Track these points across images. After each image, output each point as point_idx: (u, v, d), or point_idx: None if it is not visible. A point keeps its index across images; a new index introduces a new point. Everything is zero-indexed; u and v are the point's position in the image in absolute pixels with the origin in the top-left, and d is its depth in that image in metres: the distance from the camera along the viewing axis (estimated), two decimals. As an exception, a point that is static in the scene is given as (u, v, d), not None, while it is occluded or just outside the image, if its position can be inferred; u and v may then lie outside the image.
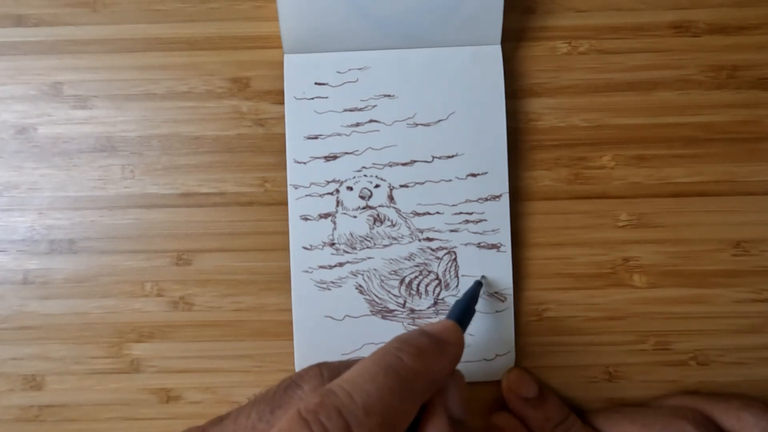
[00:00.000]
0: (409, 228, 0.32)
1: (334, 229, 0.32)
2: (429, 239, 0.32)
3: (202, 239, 0.33)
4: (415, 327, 0.32)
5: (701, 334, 0.33)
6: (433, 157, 0.32)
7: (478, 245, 0.32)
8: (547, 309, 0.33)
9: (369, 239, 0.32)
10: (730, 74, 0.33)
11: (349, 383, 0.22)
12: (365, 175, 0.32)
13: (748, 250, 0.33)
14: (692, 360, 0.33)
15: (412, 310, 0.32)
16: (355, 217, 0.32)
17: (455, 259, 0.32)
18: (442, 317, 0.32)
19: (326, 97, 0.32)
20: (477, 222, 0.32)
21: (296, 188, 0.32)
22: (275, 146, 0.33)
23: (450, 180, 0.32)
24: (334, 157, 0.32)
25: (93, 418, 0.33)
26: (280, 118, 0.33)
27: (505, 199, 0.32)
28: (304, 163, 0.32)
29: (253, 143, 0.33)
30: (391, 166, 0.32)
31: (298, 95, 0.32)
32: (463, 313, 0.29)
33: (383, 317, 0.32)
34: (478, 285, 0.31)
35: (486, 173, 0.32)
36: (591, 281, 0.33)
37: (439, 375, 0.25)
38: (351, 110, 0.32)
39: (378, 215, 0.32)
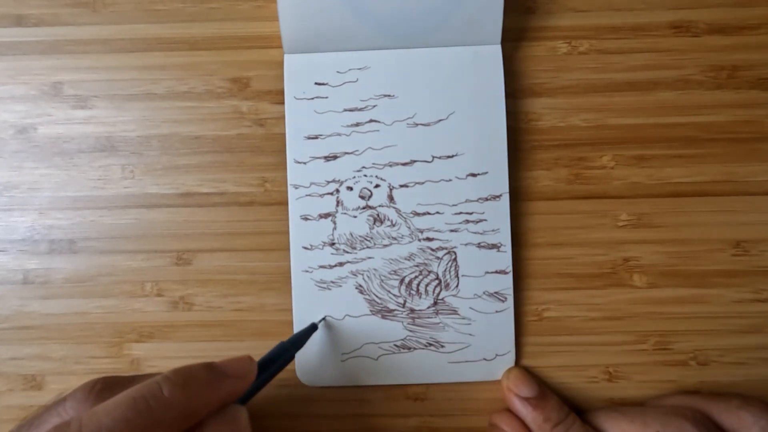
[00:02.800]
0: (409, 228, 0.32)
1: (334, 229, 0.32)
2: (429, 239, 0.32)
3: (202, 239, 0.33)
4: (415, 327, 0.32)
5: (701, 334, 0.33)
6: (433, 157, 0.32)
7: (478, 245, 0.32)
8: (547, 309, 0.33)
9: (369, 239, 0.32)
10: (730, 74, 0.33)
11: (93, 412, 0.22)
12: (365, 175, 0.32)
13: (748, 250, 0.33)
14: (692, 360, 0.33)
15: (412, 310, 0.32)
16: (355, 217, 0.32)
17: (455, 259, 0.32)
18: (443, 317, 0.32)
19: (326, 97, 0.32)
20: (477, 222, 0.32)
21: (296, 188, 0.32)
22: (275, 146, 0.33)
23: (450, 180, 0.32)
24: (334, 157, 0.32)
25: (93, 418, 0.33)
26: (280, 118, 0.33)
27: (505, 199, 0.32)
28: (304, 163, 0.32)
29: (253, 143, 0.33)
30: (391, 166, 0.32)
31: (298, 95, 0.32)
32: (279, 354, 0.29)
33: (383, 317, 0.32)
34: (311, 329, 0.31)
35: (486, 173, 0.32)
36: (591, 281, 0.33)
37: (201, 407, 0.24)
38: (351, 110, 0.32)
39: (378, 215, 0.32)
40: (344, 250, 0.32)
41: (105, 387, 0.26)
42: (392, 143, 0.32)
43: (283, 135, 0.32)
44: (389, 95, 0.32)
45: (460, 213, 0.32)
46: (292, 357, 0.30)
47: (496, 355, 0.32)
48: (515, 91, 0.33)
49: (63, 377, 0.33)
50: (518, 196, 0.33)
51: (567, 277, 0.33)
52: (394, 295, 0.32)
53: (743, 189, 0.33)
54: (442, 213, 0.32)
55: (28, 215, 0.33)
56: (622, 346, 0.33)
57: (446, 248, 0.32)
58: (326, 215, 0.32)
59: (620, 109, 0.33)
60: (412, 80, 0.32)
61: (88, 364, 0.33)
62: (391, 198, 0.32)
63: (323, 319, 0.32)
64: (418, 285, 0.32)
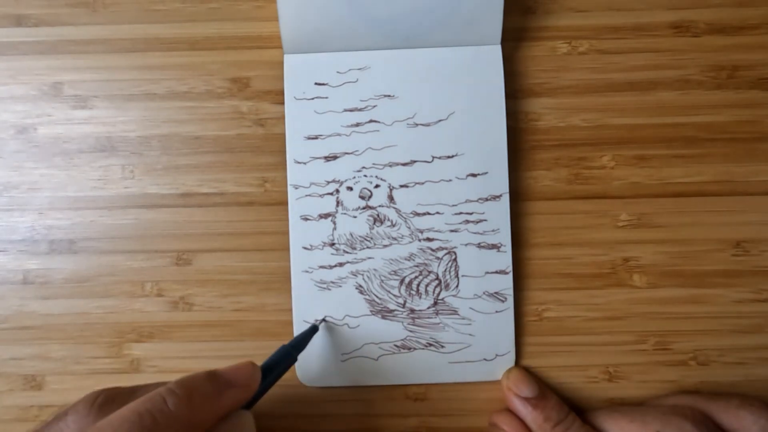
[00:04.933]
0: (409, 228, 0.32)
1: (334, 229, 0.32)
2: (429, 239, 0.32)
3: (202, 239, 0.33)
4: (415, 327, 0.32)
5: (701, 334, 0.33)
6: (433, 157, 0.32)
7: (478, 245, 0.32)
8: (547, 309, 0.33)
9: (369, 239, 0.32)
10: (730, 74, 0.33)
11: (97, 428, 0.22)
12: (365, 175, 0.32)
13: (748, 250, 0.33)
14: (692, 360, 0.33)
15: (412, 310, 0.32)
16: (355, 217, 0.32)
17: (455, 260, 0.32)
18: (443, 317, 0.32)
19: (326, 97, 0.32)
20: (477, 222, 0.32)
21: (296, 188, 0.32)
22: (275, 146, 0.33)
23: (450, 180, 0.32)
24: (334, 157, 0.32)
25: (93, 418, 0.33)
26: (280, 118, 0.33)
27: (505, 199, 0.32)
28: (304, 163, 0.32)
29: (253, 143, 0.33)
30: (391, 166, 0.32)
31: (298, 95, 0.32)
32: (281, 358, 0.29)
33: (383, 317, 0.32)
34: (312, 330, 0.31)
35: (486, 173, 0.32)
36: (591, 281, 0.33)
37: (207, 418, 0.25)
38: (351, 110, 0.32)
39: (378, 215, 0.32)
40: (344, 251, 0.32)
41: (106, 400, 0.25)
42: (392, 143, 0.32)
43: (283, 135, 0.32)
44: (389, 95, 0.32)
45: (460, 213, 0.32)
46: (295, 360, 0.30)
47: (496, 355, 0.32)
48: (515, 91, 0.33)
49: (63, 377, 0.33)
50: (518, 196, 0.33)
51: (567, 277, 0.33)
52: (394, 295, 0.32)
53: (743, 189, 0.33)
54: (442, 213, 0.32)
55: (28, 215, 0.33)
56: (622, 346, 0.33)
57: (446, 248, 0.32)
58: (326, 215, 0.32)
59: (620, 109, 0.33)
60: (412, 80, 0.32)
61: (88, 364, 0.33)
62: (391, 198, 0.32)
63: (323, 320, 0.32)
64: (418, 285, 0.32)
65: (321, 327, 0.32)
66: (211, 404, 0.25)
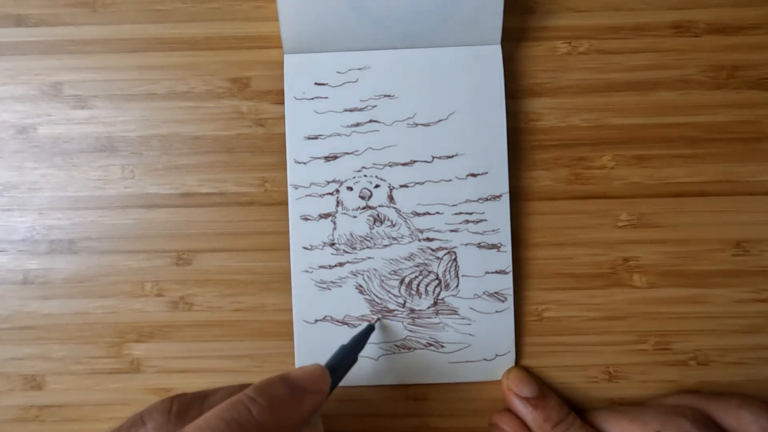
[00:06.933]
0: (409, 228, 0.32)
1: (334, 229, 0.32)
2: (429, 239, 0.32)
3: (202, 239, 0.33)
4: (415, 327, 0.32)
5: (701, 334, 0.33)
6: (433, 157, 0.32)
7: (478, 245, 0.32)
8: (547, 309, 0.33)
9: (369, 239, 0.32)
10: (730, 74, 0.33)
11: None
12: (365, 175, 0.32)
13: (748, 250, 0.33)
14: (692, 360, 0.33)
15: (412, 310, 0.32)
16: (355, 217, 0.32)
17: (455, 259, 0.32)
18: (443, 317, 0.32)
19: (326, 97, 0.32)
20: (477, 222, 0.32)
21: (296, 188, 0.32)
22: (275, 146, 0.33)
23: (450, 180, 0.32)
24: (334, 157, 0.32)
25: (93, 418, 0.33)
26: (280, 118, 0.33)
27: (505, 199, 0.32)
28: (304, 163, 0.32)
29: (253, 143, 0.33)
30: (391, 166, 0.32)
31: (298, 95, 0.32)
32: (343, 358, 0.29)
33: (383, 317, 0.32)
34: (368, 329, 0.31)
35: (486, 173, 0.32)
36: (591, 281, 0.33)
37: (290, 425, 0.25)
38: (351, 110, 0.32)
39: (378, 215, 0.32)
40: (344, 251, 0.32)
41: (181, 408, 0.26)
42: (392, 143, 0.32)
43: (283, 135, 0.32)
44: (389, 95, 0.32)
45: (460, 213, 0.32)
46: (356, 360, 0.30)
47: (496, 355, 0.32)
48: (515, 91, 0.33)
49: (63, 377, 0.33)
50: (518, 196, 0.33)
51: (567, 277, 0.33)
52: (394, 295, 0.32)
53: (743, 189, 0.33)
54: (442, 213, 0.32)
55: (28, 215, 0.33)
56: (622, 346, 0.33)
57: (446, 248, 0.32)
58: (326, 215, 0.32)
59: (620, 109, 0.33)
60: (412, 80, 0.32)
61: (88, 364, 0.33)
62: (391, 198, 0.32)
63: (378, 319, 0.32)
64: (418, 285, 0.32)
65: (318, 326, 0.32)
66: (292, 412, 0.25)
